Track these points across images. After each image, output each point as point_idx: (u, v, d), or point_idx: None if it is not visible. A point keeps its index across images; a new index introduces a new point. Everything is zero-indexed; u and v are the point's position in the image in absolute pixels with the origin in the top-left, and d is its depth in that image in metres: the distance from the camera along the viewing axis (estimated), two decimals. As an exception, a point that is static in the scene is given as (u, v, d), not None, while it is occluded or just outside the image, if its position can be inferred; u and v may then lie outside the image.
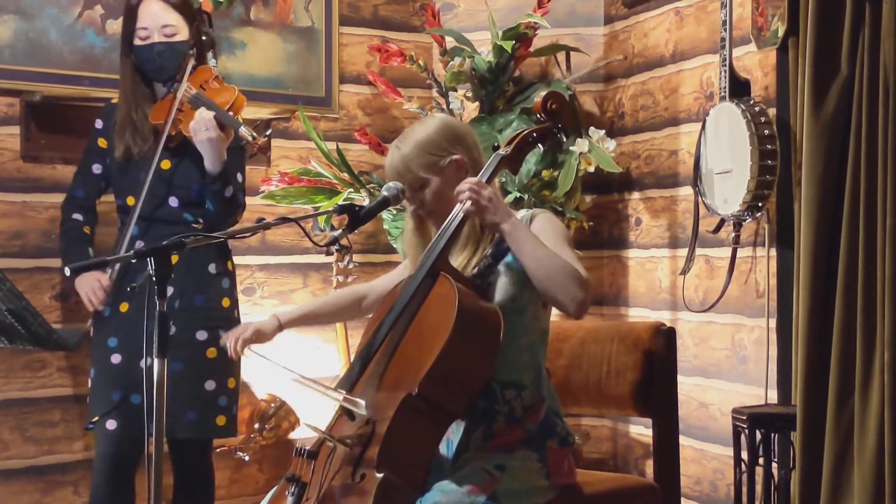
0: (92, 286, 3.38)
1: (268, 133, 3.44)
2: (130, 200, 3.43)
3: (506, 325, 2.62)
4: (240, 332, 2.95)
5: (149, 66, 3.44)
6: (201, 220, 3.45)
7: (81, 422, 3.95)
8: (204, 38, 4.03)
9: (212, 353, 3.38)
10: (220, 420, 3.43)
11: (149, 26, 3.41)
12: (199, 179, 3.42)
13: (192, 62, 3.44)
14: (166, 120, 3.35)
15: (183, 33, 3.44)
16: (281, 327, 3.00)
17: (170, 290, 3.33)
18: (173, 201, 3.43)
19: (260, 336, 2.95)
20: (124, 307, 3.40)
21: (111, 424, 3.35)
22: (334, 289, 4.24)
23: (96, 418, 3.36)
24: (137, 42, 3.42)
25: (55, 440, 3.98)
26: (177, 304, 3.37)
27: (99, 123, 3.54)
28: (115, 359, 3.37)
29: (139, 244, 3.40)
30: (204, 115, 3.29)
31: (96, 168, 3.53)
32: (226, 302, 3.48)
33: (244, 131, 3.29)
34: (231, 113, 3.38)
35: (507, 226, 2.62)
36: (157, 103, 3.44)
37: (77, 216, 3.54)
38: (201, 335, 3.37)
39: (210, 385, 3.39)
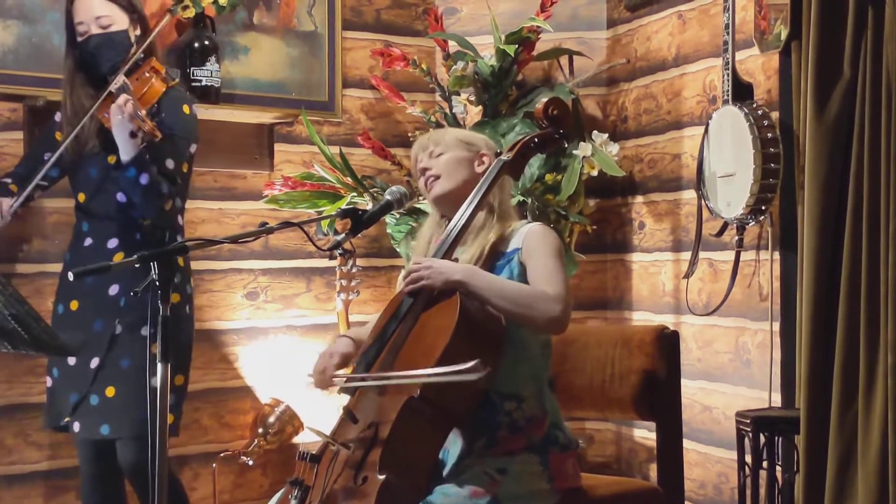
0: None
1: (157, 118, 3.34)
2: (81, 197, 3.38)
3: (505, 337, 2.64)
4: (325, 363, 2.83)
5: (88, 60, 3.36)
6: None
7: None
8: (206, 42, 4.05)
9: (156, 348, 3.34)
10: (169, 418, 3.35)
11: (84, 20, 3.34)
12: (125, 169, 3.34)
13: (138, 56, 3.36)
14: (93, 109, 3.29)
15: (120, 23, 3.36)
16: (354, 342, 2.90)
17: (115, 289, 3.29)
18: (120, 196, 3.34)
19: (347, 358, 2.84)
20: (74, 305, 3.35)
21: (76, 427, 3.31)
22: (337, 293, 4.24)
23: (67, 419, 3.32)
24: (78, 38, 3.36)
25: (58, 445, 3.97)
26: (122, 302, 3.29)
27: (58, 116, 3.47)
28: (71, 360, 3.32)
29: (87, 241, 3.36)
30: (119, 101, 3.18)
31: (48, 156, 3.42)
32: (175, 298, 3.35)
33: (139, 116, 3.17)
34: (140, 101, 3.27)
35: (458, 276, 2.64)
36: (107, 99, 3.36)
37: (6, 179, 3.44)
38: (146, 331, 3.25)
39: (156, 381, 3.32)
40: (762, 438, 3.60)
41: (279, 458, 4.39)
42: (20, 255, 3.92)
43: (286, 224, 2.72)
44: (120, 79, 3.29)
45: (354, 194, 4.35)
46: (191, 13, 4.01)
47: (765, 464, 3.62)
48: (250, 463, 4.25)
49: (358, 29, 4.70)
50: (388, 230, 4.46)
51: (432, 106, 4.69)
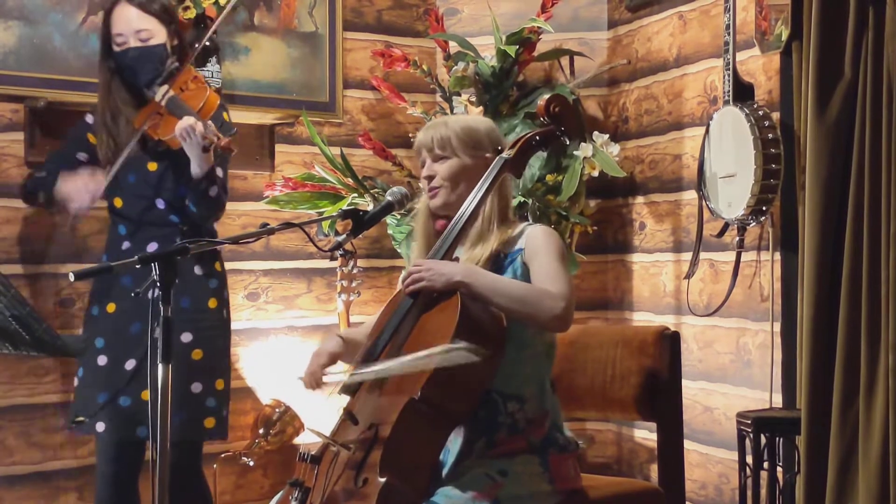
0: (83, 182, 3.33)
1: (232, 132, 3.39)
2: (118, 202, 3.42)
3: (508, 337, 2.63)
4: (313, 365, 2.83)
5: (126, 71, 3.40)
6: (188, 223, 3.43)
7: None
8: (208, 43, 4.05)
9: (197, 354, 3.36)
10: (209, 422, 3.38)
11: (124, 32, 3.37)
12: (186, 181, 3.40)
13: (173, 65, 3.41)
14: (141, 125, 3.33)
15: (159, 37, 3.40)
16: (344, 341, 2.90)
17: (157, 292, 3.31)
18: (160, 203, 3.40)
19: (335, 357, 2.84)
20: (111, 307, 3.36)
21: (100, 427, 3.32)
22: (338, 294, 4.24)
23: (81, 418, 3.33)
24: (115, 48, 3.39)
25: (60, 446, 3.97)
26: None
27: (90, 118, 3.52)
28: (102, 360, 3.34)
29: (125, 245, 3.39)
30: (186, 123, 3.23)
31: (82, 156, 3.48)
32: (212, 303, 3.44)
33: (209, 131, 3.23)
34: (200, 114, 3.33)
35: (458, 277, 2.63)
36: (143, 108, 3.41)
37: (40, 174, 3.48)
38: (186, 337, 3.33)
39: (196, 387, 3.35)
40: (763, 439, 3.60)
41: (280, 459, 4.39)
42: (21, 256, 3.92)
43: (287, 225, 2.72)
44: (165, 91, 3.32)
45: (355, 195, 4.35)
46: (191, 14, 4.01)
47: (766, 464, 3.62)
48: (251, 464, 4.25)
49: (359, 30, 4.71)
50: (389, 231, 4.46)
51: (433, 107, 4.70)
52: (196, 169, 3.31)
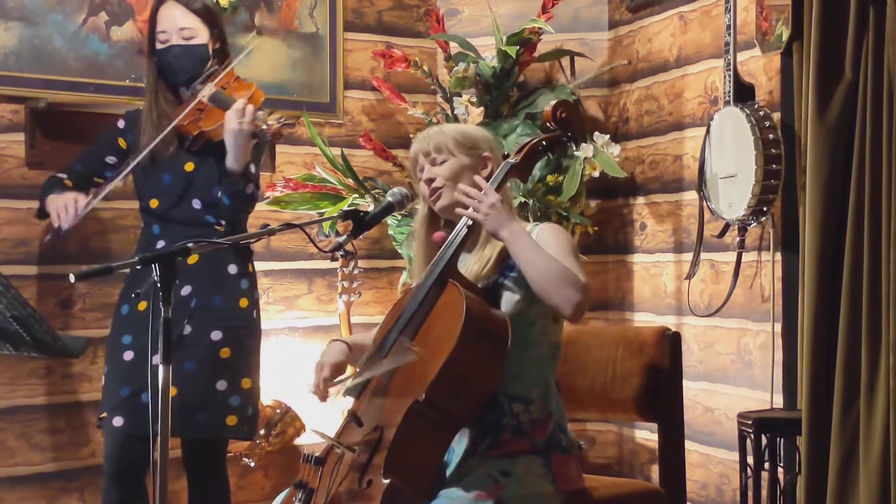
0: (64, 202, 3.36)
1: (281, 120, 3.41)
2: (154, 203, 3.43)
3: (514, 338, 2.63)
4: (319, 376, 2.82)
5: (167, 69, 3.44)
6: (223, 223, 3.43)
7: (87, 428, 3.95)
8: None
9: (225, 353, 3.36)
10: (231, 420, 3.37)
11: (167, 29, 3.42)
12: (222, 176, 3.40)
13: (213, 68, 3.44)
14: (180, 117, 3.34)
15: (202, 37, 3.44)
16: (350, 347, 2.89)
17: (187, 290, 3.34)
18: (196, 203, 3.41)
19: (338, 367, 2.84)
20: (142, 306, 3.37)
21: (118, 421, 3.32)
22: (339, 294, 4.24)
23: (104, 414, 3.36)
24: (158, 46, 3.43)
25: (61, 447, 3.97)
26: (193, 304, 3.34)
27: (121, 123, 3.55)
28: (128, 356, 3.35)
29: (160, 244, 3.40)
30: (239, 105, 3.26)
31: (110, 160, 3.51)
32: (244, 303, 3.44)
33: (258, 117, 3.26)
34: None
35: (505, 232, 2.65)
36: (180, 106, 3.44)
37: (61, 175, 3.52)
38: (216, 335, 3.34)
39: (221, 385, 3.35)
40: (764, 440, 3.60)
41: (281, 460, 4.39)
42: (21, 256, 3.92)
43: (288, 226, 2.72)
44: (209, 87, 3.36)
45: (356, 196, 4.35)
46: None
47: (766, 465, 3.62)
48: (252, 464, 4.24)
49: (359, 30, 4.71)
50: (390, 231, 4.46)
51: (434, 107, 4.70)
52: (233, 164, 3.31)
